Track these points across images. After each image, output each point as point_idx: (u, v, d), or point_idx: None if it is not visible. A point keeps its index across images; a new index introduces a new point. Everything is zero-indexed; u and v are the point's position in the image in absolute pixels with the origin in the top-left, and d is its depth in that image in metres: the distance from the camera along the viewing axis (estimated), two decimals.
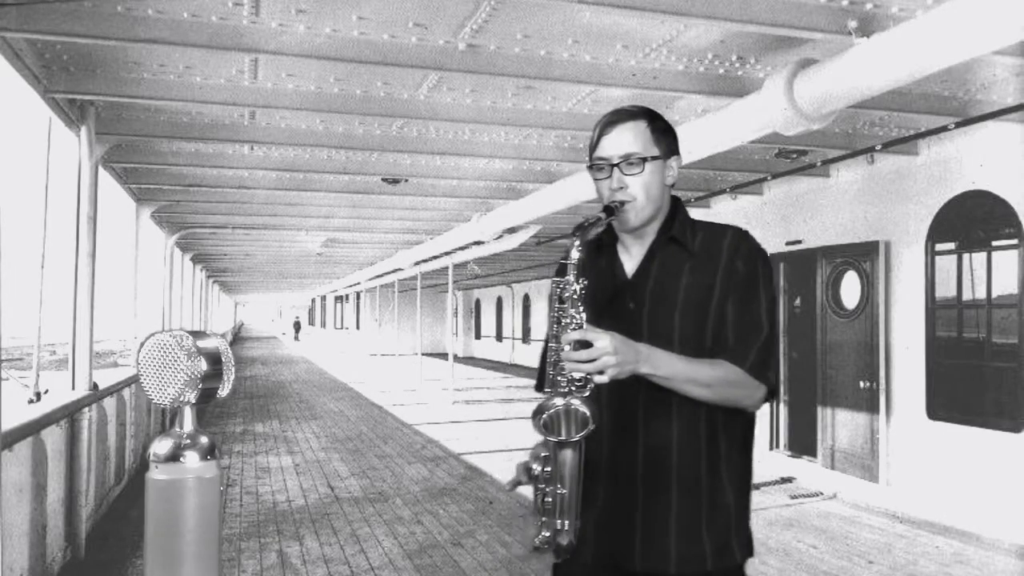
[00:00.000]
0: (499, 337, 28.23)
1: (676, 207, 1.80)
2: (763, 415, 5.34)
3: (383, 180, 7.30)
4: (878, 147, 5.83)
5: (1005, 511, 5.23)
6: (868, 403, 6.45)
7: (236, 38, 3.77)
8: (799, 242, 7.27)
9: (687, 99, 4.90)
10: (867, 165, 6.45)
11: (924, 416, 5.95)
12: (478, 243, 10.64)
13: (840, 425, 6.77)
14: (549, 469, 1.62)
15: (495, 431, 10.78)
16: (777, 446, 7.61)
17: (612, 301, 1.74)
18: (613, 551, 1.69)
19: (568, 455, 1.60)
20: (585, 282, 1.59)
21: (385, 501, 6.55)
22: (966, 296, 5.82)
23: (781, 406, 7.59)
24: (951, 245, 5.92)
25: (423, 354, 18.45)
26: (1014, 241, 5.43)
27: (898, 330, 6.27)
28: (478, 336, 30.99)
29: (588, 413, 1.55)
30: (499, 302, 28.01)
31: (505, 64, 4.17)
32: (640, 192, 1.71)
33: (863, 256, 6.56)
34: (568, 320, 1.57)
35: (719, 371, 1.64)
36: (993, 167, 5.47)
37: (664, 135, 1.76)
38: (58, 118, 4.98)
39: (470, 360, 28.04)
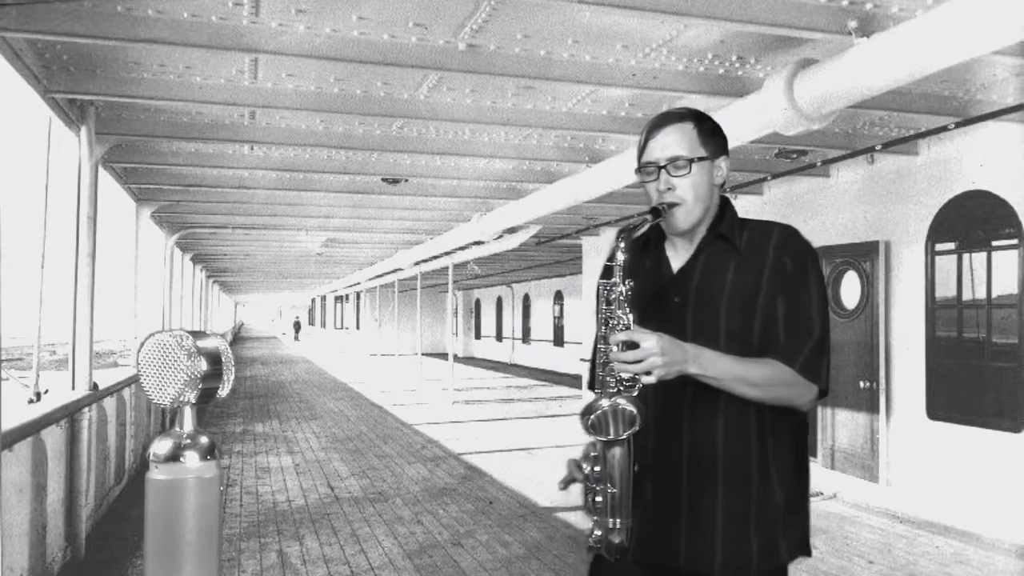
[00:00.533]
0: (499, 337, 28.24)
1: (725, 206, 1.79)
2: None
3: (383, 180, 7.30)
4: (878, 147, 5.83)
5: (1005, 511, 5.23)
6: (868, 403, 6.45)
7: (236, 38, 3.77)
8: None
9: (687, 99, 4.89)
10: (867, 165, 6.45)
11: (924, 416, 5.95)
12: (478, 243, 10.64)
13: (840, 425, 6.77)
14: (599, 469, 1.62)
15: (495, 431, 10.79)
16: None
17: (658, 297, 1.74)
18: (658, 550, 1.68)
19: (617, 454, 1.59)
20: (631, 283, 1.59)
21: (385, 501, 6.55)
22: (966, 296, 5.82)
23: None
24: (951, 245, 5.91)
25: (423, 354, 18.45)
26: (1014, 241, 5.43)
27: (898, 330, 6.27)
28: (478, 336, 31.01)
29: (635, 412, 1.55)
30: (499, 302, 28.01)
31: (505, 64, 4.16)
32: (689, 193, 1.71)
33: (863, 256, 6.55)
34: (616, 321, 1.58)
35: (768, 370, 1.62)
36: (993, 167, 5.47)
37: (712, 136, 1.75)
38: (58, 118, 4.97)
39: (470, 360, 28.03)
